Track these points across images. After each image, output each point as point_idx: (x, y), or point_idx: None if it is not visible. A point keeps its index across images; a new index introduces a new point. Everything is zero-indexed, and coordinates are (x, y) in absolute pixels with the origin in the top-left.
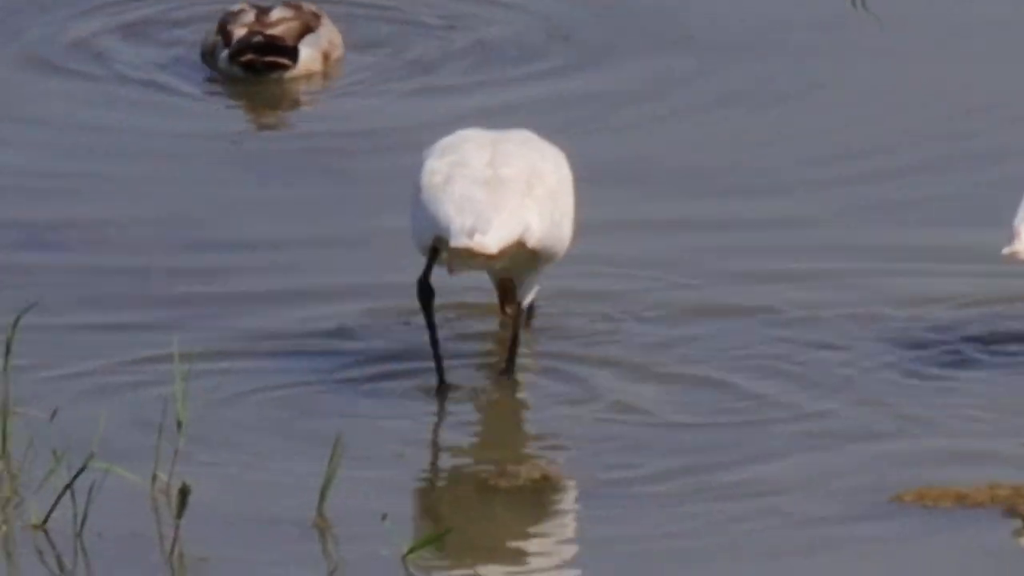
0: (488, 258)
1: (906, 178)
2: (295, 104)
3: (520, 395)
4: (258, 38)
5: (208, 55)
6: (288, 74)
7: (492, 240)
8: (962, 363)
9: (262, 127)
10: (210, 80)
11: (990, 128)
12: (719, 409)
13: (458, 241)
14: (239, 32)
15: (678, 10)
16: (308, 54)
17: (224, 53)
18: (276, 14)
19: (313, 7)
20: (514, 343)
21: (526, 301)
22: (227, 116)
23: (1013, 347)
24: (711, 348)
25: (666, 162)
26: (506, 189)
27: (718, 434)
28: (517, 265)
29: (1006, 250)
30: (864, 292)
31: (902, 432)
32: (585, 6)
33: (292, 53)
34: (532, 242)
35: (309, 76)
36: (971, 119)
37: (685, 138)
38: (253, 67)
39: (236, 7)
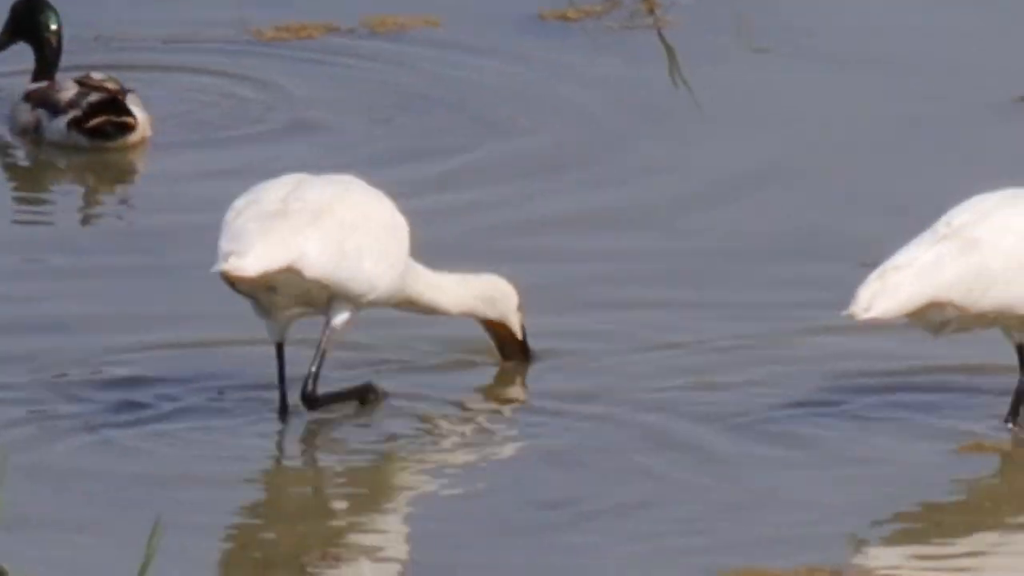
0: (252, 282)
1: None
2: (127, 174)
3: (357, 459)
4: (98, 96)
5: (31, 131)
6: (131, 138)
7: (250, 263)
8: (790, 435)
9: (95, 199)
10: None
11: (812, 212)
12: (557, 489)
13: (217, 266)
14: (67, 96)
15: (504, 96)
16: (141, 115)
17: (61, 122)
18: (97, 75)
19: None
20: (319, 357)
21: (337, 321)
22: (58, 192)
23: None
24: (550, 428)
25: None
26: (283, 220)
27: (553, 518)
28: (315, 299)
29: (844, 312)
30: (698, 365)
31: (728, 514)
32: (407, 93)
33: (129, 112)
34: (309, 271)
35: (142, 142)
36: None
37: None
38: (102, 132)
39: (42, 84)
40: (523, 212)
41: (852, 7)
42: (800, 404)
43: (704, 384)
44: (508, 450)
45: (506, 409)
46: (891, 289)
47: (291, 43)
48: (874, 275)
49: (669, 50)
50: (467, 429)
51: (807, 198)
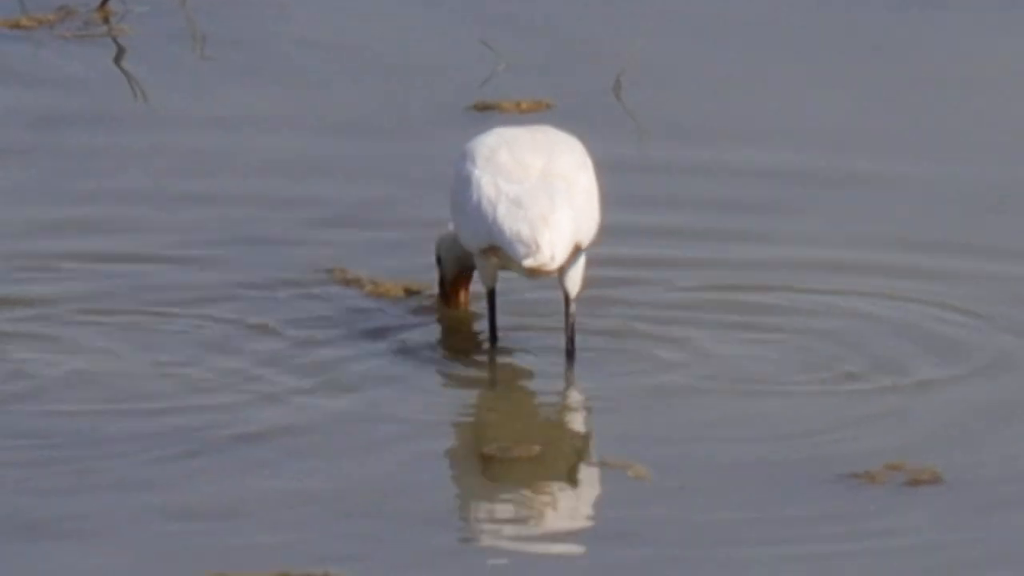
0: None
1: None
2: None
3: None
4: None
5: None
6: None
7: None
8: None
9: None
10: None
11: None
12: None
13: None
14: None
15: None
16: None
17: None
18: None
19: None
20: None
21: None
22: None
23: None
24: None
25: None
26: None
27: None
28: None
29: (528, 262)
30: None
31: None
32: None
33: None
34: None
35: None
36: None
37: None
38: None
39: None
40: None
41: (305, 19)
42: None
43: None
44: None
45: None
46: (559, 235)
47: None
48: (537, 223)
49: (121, 51)
50: None
51: (270, 211)
